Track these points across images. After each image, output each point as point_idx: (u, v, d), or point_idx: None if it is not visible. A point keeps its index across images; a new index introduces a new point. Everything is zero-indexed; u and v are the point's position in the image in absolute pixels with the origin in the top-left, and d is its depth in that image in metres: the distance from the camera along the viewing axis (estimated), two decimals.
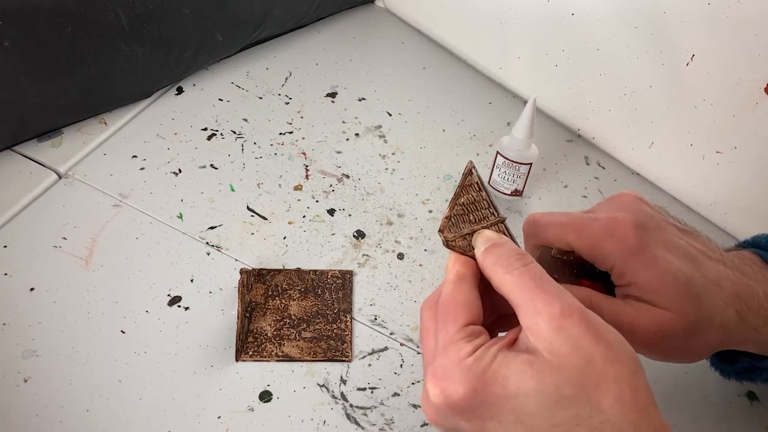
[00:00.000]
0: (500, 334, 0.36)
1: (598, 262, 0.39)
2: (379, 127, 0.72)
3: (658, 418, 0.30)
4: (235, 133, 0.69)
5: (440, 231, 0.36)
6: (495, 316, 0.37)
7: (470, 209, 0.37)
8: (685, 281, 0.38)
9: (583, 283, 0.41)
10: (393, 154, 0.69)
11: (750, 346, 0.42)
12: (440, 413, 0.33)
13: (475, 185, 0.36)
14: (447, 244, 0.36)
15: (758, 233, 0.64)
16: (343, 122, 0.72)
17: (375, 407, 0.49)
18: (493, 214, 0.37)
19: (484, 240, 0.35)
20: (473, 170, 0.36)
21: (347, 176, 0.66)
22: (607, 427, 0.29)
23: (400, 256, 0.60)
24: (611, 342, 0.31)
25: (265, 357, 0.51)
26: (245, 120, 0.70)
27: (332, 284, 0.56)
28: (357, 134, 0.71)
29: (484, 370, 0.31)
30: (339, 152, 0.68)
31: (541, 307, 0.31)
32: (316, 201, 0.63)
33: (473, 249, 0.36)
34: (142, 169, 0.64)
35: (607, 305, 0.38)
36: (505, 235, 0.36)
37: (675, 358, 0.41)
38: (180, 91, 0.72)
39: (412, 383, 0.51)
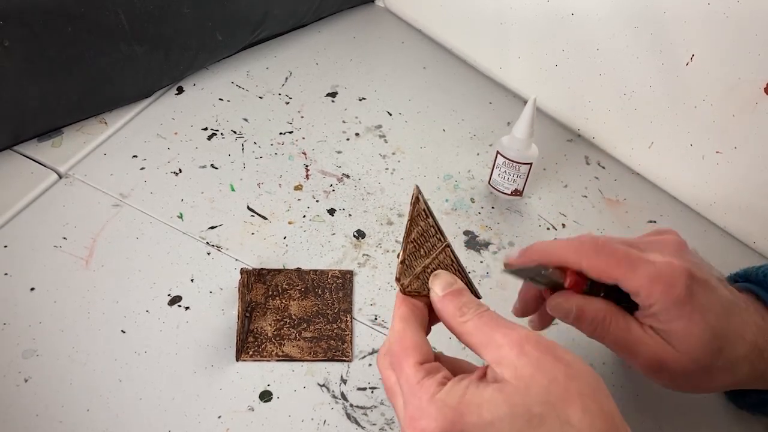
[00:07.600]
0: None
1: (640, 298, 0.40)
2: (379, 126, 0.72)
3: (624, 424, 0.33)
4: (235, 132, 0.69)
5: (397, 279, 0.37)
6: None
7: (420, 242, 0.37)
8: (711, 336, 0.40)
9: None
10: (393, 153, 0.69)
11: (759, 385, 0.44)
12: None
13: (423, 213, 0.37)
14: (404, 291, 0.37)
15: (756, 235, 0.65)
16: (343, 122, 0.72)
17: (375, 407, 0.49)
18: (440, 240, 0.38)
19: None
20: (420, 197, 0.37)
21: (347, 176, 0.66)
22: None
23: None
24: (569, 361, 0.33)
25: (266, 357, 0.51)
26: (245, 120, 0.70)
27: (332, 284, 0.56)
28: (357, 134, 0.71)
29: (459, 401, 0.32)
30: (339, 152, 0.68)
31: (501, 340, 0.33)
32: (317, 201, 0.63)
33: (427, 287, 0.38)
34: (142, 169, 0.64)
35: (625, 325, 0.41)
36: (452, 259, 0.38)
37: (684, 389, 0.44)
38: (180, 90, 0.72)
39: None
